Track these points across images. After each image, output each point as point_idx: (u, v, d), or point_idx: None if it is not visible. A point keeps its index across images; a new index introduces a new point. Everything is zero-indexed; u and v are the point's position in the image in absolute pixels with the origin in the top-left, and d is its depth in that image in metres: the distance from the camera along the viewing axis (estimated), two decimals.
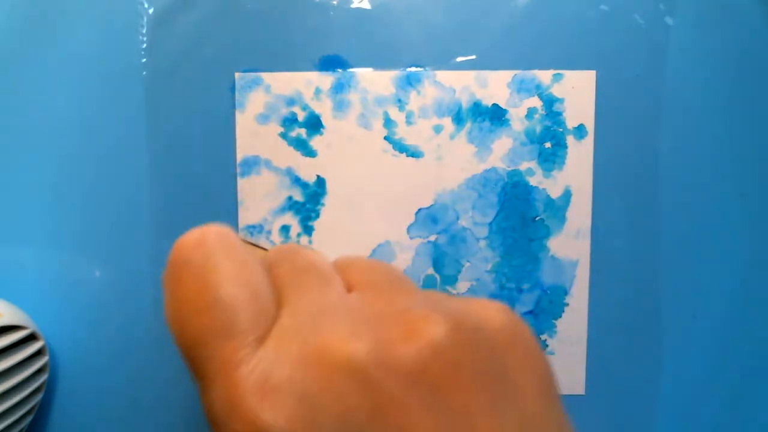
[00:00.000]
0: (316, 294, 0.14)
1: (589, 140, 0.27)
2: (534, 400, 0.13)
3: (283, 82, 0.27)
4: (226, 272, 0.14)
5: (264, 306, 0.14)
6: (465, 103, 0.26)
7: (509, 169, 0.27)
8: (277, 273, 0.15)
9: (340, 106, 0.27)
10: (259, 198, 0.27)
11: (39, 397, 0.27)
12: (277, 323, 0.13)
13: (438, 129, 0.27)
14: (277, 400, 0.11)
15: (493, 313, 0.13)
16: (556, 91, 0.26)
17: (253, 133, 0.27)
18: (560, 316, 0.27)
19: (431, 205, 0.27)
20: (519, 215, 0.27)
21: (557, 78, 0.26)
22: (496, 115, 0.27)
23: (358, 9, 0.26)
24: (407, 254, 0.27)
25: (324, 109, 0.27)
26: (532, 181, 0.27)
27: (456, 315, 0.12)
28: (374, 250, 0.27)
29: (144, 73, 0.27)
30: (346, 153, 0.27)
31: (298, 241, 0.27)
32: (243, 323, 0.13)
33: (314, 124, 0.27)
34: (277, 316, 0.13)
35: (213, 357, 0.12)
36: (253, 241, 0.27)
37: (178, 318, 0.14)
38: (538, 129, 0.27)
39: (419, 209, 0.27)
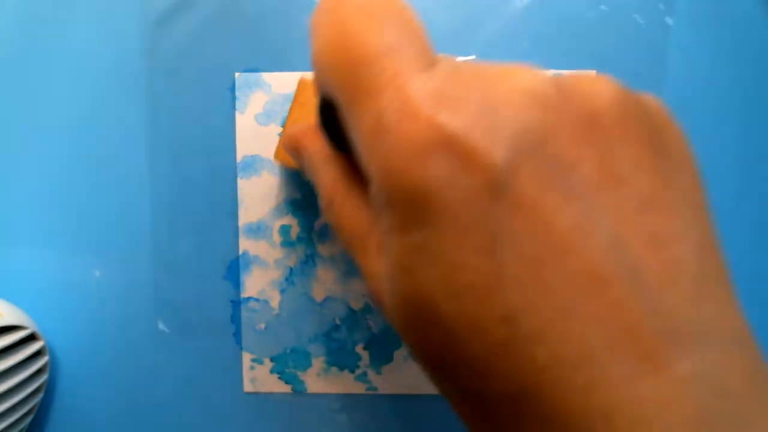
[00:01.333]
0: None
1: None
2: (693, 178, 0.12)
3: (283, 82, 0.27)
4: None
5: (428, 41, 0.13)
6: None
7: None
8: None
9: None
10: (259, 198, 0.27)
11: (39, 397, 0.27)
12: (441, 58, 0.12)
13: None
14: (456, 105, 0.11)
15: (646, 94, 0.13)
16: None
17: (253, 133, 0.27)
18: None
19: None
20: None
21: None
22: None
23: None
24: None
25: None
26: None
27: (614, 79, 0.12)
28: None
29: (144, 73, 0.27)
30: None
31: (300, 240, 0.27)
32: (418, 46, 0.12)
33: None
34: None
35: (382, 72, 0.12)
36: None
37: (347, 30, 0.13)
38: None
39: None
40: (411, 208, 0.11)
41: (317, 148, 0.18)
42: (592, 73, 0.12)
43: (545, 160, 0.10)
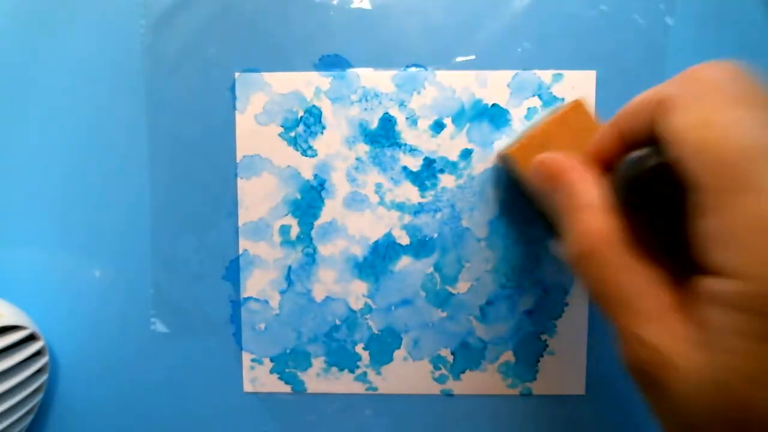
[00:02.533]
0: None
1: None
2: None
3: (283, 82, 0.27)
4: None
5: None
6: (465, 103, 0.26)
7: (509, 168, 0.27)
8: None
9: (340, 106, 0.27)
10: (259, 198, 0.27)
11: (39, 397, 0.27)
12: None
13: (438, 128, 0.27)
14: None
15: None
16: (556, 91, 0.26)
17: (253, 133, 0.27)
18: (560, 316, 0.27)
19: (431, 205, 0.27)
20: (519, 215, 0.27)
21: (557, 78, 0.26)
22: (496, 115, 0.27)
23: (358, 9, 0.26)
24: (407, 254, 0.27)
25: (324, 108, 0.27)
26: None
27: None
28: (373, 250, 0.27)
29: (144, 73, 0.27)
30: (345, 153, 0.27)
31: (299, 240, 0.27)
32: None
33: (314, 124, 0.27)
34: None
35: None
36: None
37: (721, 117, 0.13)
38: None
39: (419, 209, 0.27)
40: None
41: (589, 189, 0.17)
42: None
43: None
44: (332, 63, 0.27)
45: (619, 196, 0.17)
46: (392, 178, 0.27)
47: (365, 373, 0.28)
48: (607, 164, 0.18)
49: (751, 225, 0.12)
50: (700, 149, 0.13)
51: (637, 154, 0.16)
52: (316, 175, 0.27)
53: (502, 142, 0.26)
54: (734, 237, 0.12)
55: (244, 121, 0.27)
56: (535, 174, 0.20)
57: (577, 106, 0.22)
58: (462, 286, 0.27)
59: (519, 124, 0.26)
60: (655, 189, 0.15)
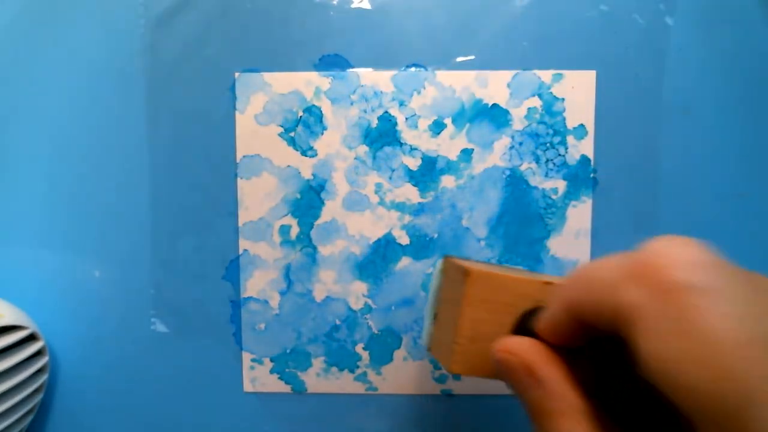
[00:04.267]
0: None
1: (589, 140, 0.27)
2: None
3: (283, 82, 0.27)
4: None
5: None
6: (465, 103, 0.26)
7: (509, 168, 0.27)
8: None
9: (340, 106, 0.27)
10: (259, 198, 0.27)
11: (39, 397, 0.27)
12: None
13: (438, 128, 0.27)
14: None
15: None
16: (556, 91, 0.26)
17: (253, 133, 0.27)
18: None
19: (431, 205, 0.27)
20: (519, 215, 0.27)
21: (557, 78, 0.26)
22: (496, 115, 0.27)
23: (358, 9, 0.26)
24: (407, 254, 0.27)
25: (324, 108, 0.27)
26: (532, 181, 0.27)
27: None
28: (374, 250, 0.27)
29: (144, 73, 0.27)
30: (345, 153, 0.27)
31: (299, 240, 0.27)
32: None
33: (314, 124, 0.27)
34: None
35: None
36: None
37: (714, 347, 0.11)
38: (538, 129, 0.27)
39: (419, 209, 0.27)
40: None
41: (566, 392, 0.15)
42: None
43: None
44: (332, 63, 0.27)
45: (593, 398, 0.15)
46: (392, 179, 0.27)
47: (365, 373, 0.28)
48: (566, 344, 0.16)
49: None
50: (690, 390, 0.12)
51: (612, 371, 0.15)
52: (315, 175, 0.27)
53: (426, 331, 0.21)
54: None
55: (244, 121, 0.27)
56: (502, 367, 0.17)
57: (473, 275, 0.18)
58: None
59: (519, 124, 0.26)
60: (632, 397, 0.14)
